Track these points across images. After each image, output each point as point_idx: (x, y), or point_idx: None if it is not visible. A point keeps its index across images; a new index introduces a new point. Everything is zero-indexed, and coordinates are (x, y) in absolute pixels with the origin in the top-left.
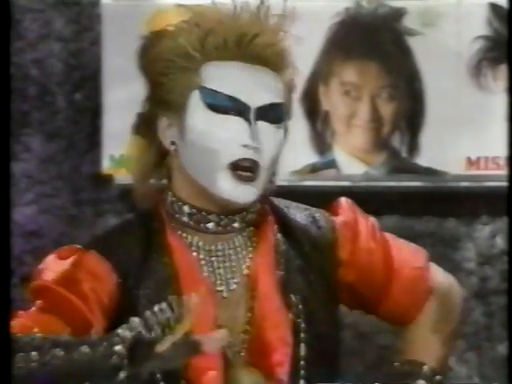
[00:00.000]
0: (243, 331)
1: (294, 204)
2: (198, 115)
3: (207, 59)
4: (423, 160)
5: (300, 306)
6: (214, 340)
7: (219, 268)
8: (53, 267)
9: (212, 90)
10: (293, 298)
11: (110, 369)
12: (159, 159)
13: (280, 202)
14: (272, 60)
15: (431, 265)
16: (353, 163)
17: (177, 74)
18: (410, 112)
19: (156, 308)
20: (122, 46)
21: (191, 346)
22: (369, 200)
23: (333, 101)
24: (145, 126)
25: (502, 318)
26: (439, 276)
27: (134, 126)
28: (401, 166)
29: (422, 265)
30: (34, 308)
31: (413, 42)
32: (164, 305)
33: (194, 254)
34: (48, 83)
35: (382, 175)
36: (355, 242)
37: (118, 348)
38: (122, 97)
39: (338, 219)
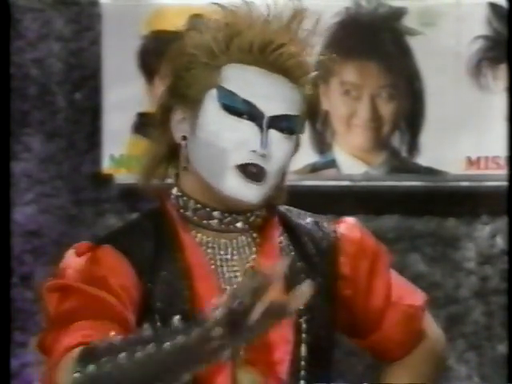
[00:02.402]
0: None
1: (296, 210)
2: (211, 114)
3: (229, 60)
4: (423, 160)
5: (302, 307)
6: (300, 295)
7: (222, 266)
8: (74, 265)
9: (229, 91)
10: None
11: (210, 352)
12: (169, 152)
13: (282, 208)
14: (294, 71)
15: (427, 313)
16: (353, 163)
17: (198, 69)
18: (410, 112)
19: (242, 280)
20: (122, 46)
21: (279, 309)
22: (369, 200)
23: (333, 100)
24: (160, 116)
25: (501, 318)
26: (433, 324)
27: (153, 116)
28: (401, 165)
29: (420, 305)
30: (69, 315)
31: (413, 42)
32: (249, 274)
33: (204, 248)
34: (48, 83)
35: (382, 175)
36: (359, 259)
37: (215, 330)
38: (122, 97)
39: (341, 227)
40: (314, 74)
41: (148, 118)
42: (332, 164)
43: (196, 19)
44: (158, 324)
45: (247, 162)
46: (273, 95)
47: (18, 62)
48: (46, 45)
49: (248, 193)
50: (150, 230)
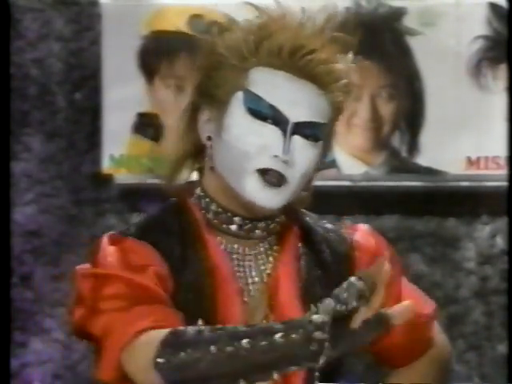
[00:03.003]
0: None
1: (315, 215)
2: (237, 116)
3: (258, 63)
4: (423, 160)
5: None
6: (403, 312)
7: (239, 272)
8: (110, 254)
9: (255, 95)
10: (313, 308)
11: (308, 356)
12: (195, 151)
13: (302, 212)
14: (322, 78)
15: (435, 321)
16: (353, 163)
17: (226, 70)
18: (410, 112)
19: (345, 284)
20: (122, 46)
21: (382, 321)
22: (369, 200)
23: None
24: (188, 115)
25: (501, 318)
26: (441, 333)
27: (182, 114)
28: (401, 165)
29: (430, 313)
30: (118, 300)
31: (413, 42)
32: (353, 278)
33: (227, 251)
34: (48, 83)
35: (382, 175)
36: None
37: (317, 334)
38: (122, 97)
39: (356, 235)
40: (344, 81)
41: (148, 118)
42: (332, 164)
43: (231, 19)
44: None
45: (268, 167)
46: (299, 101)
47: (18, 62)
48: (46, 45)
49: (268, 198)
50: (175, 226)
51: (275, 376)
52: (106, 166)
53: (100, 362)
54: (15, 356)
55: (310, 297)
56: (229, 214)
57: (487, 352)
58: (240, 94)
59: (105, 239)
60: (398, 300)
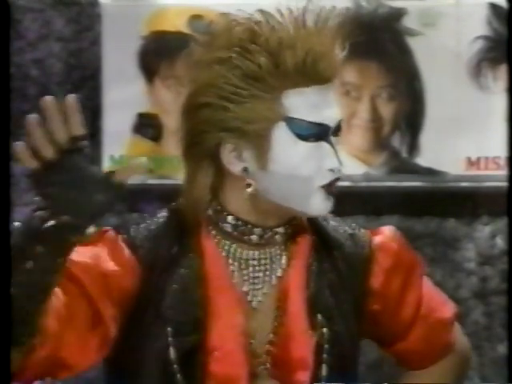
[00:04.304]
0: (269, 342)
1: (333, 218)
2: (286, 145)
3: (284, 86)
4: (423, 160)
5: (325, 327)
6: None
7: (253, 278)
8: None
9: (300, 119)
10: (319, 317)
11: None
12: (216, 179)
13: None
14: (332, 76)
15: (456, 323)
16: (353, 163)
17: (252, 102)
18: (410, 112)
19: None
20: (122, 46)
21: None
22: (369, 200)
23: None
24: (204, 148)
25: (502, 318)
26: (462, 336)
27: (183, 150)
28: (401, 166)
29: (449, 318)
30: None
31: (413, 42)
32: None
33: (229, 261)
34: (48, 83)
35: (382, 175)
36: (393, 273)
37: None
38: (122, 97)
39: (376, 239)
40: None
41: (148, 118)
42: None
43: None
44: (169, 329)
45: (330, 180)
46: (329, 106)
47: (18, 63)
48: (46, 45)
49: (329, 207)
50: (172, 230)
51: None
52: (106, 166)
53: None
54: None
55: (318, 306)
56: (249, 226)
57: (487, 352)
58: (282, 124)
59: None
60: (417, 306)
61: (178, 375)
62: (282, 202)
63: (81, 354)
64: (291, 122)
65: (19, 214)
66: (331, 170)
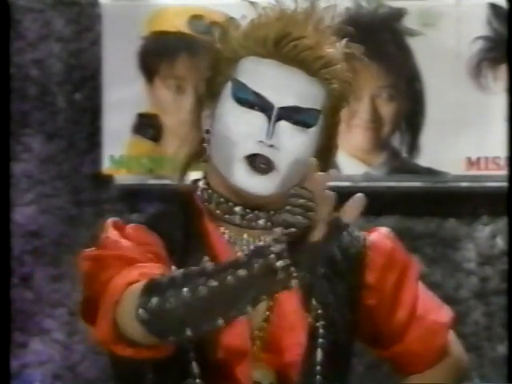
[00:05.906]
0: (259, 328)
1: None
2: (226, 106)
3: (247, 53)
4: (423, 160)
5: (320, 311)
6: (353, 205)
7: None
8: (112, 236)
9: (241, 83)
10: (314, 301)
11: (277, 283)
12: (201, 148)
13: None
14: (311, 64)
15: (452, 331)
16: (353, 163)
17: (221, 63)
18: (410, 112)
19: (286, 207)
20: (122, 46)
21: (338, 224)
22: (369, 200)
23: None
24: (193, 115)
25: (502, 318)
26: (457, 344)
27: (189, 117)
28: (401, 166)
29: (445, 322)
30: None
31: (413, 42)
32: (292, 198)
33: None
34: (48, 83)
35: (382, 175)
36: (387, 270)
37: (278, 264)
38: (122, 97)
39: (370, 238)
40: (336, 67)
41: (148, 118)
42: (332, 164)
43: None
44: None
45: (254, 152)
46: (285, 87)
47: (18, 63)
48: (46, 45)
49: (257, 185)
50: (180, 218)
51: (249, 309)
52: (106, 166)
53: (96, 321)
54: (15, 356)
55: (314, 291)
56: (230, 204)
57: (487, 352)
58: (229, 84)
59: (109, 223)
60: (412, 306)
61: (191, 353)
62: (219, 168)
63: None
64: (235, 83)
65: (19, 214)
66: (260, 142)
